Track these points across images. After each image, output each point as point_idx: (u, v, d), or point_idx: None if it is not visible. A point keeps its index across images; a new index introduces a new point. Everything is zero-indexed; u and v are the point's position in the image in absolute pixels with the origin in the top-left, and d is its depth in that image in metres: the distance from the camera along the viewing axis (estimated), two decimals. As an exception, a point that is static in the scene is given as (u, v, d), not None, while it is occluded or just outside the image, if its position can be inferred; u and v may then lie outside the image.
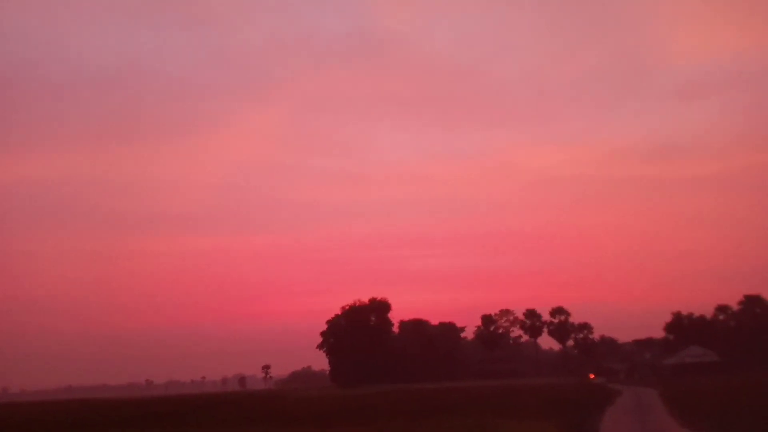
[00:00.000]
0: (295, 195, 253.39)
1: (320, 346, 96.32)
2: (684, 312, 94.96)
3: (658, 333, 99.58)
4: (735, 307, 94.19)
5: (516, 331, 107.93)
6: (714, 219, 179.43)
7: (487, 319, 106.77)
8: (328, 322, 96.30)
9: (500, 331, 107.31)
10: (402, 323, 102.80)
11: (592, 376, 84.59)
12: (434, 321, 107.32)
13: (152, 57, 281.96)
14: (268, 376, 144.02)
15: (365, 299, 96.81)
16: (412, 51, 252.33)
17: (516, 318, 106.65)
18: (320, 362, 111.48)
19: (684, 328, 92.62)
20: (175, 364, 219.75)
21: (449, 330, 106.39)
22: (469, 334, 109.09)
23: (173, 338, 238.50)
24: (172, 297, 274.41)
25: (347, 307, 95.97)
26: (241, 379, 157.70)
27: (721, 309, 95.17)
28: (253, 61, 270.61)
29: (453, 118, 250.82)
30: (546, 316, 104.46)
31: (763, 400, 27.71)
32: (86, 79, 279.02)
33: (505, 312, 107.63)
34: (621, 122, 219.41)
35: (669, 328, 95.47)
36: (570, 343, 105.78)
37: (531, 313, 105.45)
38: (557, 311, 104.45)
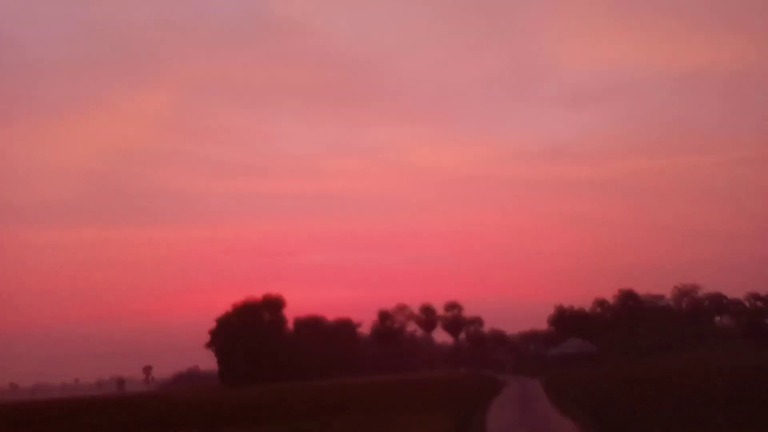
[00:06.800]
0: (181, 185, 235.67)
1: (208, 345, 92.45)
2: (566, 305, 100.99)
3: (543, 325, 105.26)
4: (611, 300, 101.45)
5: (412, 326, 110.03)
6: (593, 219, 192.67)
7: (383, 315, 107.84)
8: (218, 320, 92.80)
9: (396, 326, 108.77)
10: (297, 320, 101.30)
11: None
12: (331, 317, 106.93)
13: (19, 30, 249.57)
14: (149, 377, 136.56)
15: (259, 296, 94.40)
16: (310, 41, 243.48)
17: (412, 313, 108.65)
18: (208, 362, 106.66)
19: (566, 320, 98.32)
20: (43, 365, 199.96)
21: (346, 326, 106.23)
22: (366, 329, 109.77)
23: (40, 337, 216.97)
24: (39, 293, 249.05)
25: (239, 305, 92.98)
26: (120, 382, 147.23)
27: (599, 302, 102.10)
28: (134, 40, 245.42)
29: (353, 112, 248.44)
30: (441, 311, 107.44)
31: (631, 387, 29.61)
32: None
33: (402, 308, 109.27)
34: (514, 125, 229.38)
35: (552, 320, 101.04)
36: (462, 336, 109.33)
37: (426, 309, 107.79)
38: (451, 306, 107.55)
